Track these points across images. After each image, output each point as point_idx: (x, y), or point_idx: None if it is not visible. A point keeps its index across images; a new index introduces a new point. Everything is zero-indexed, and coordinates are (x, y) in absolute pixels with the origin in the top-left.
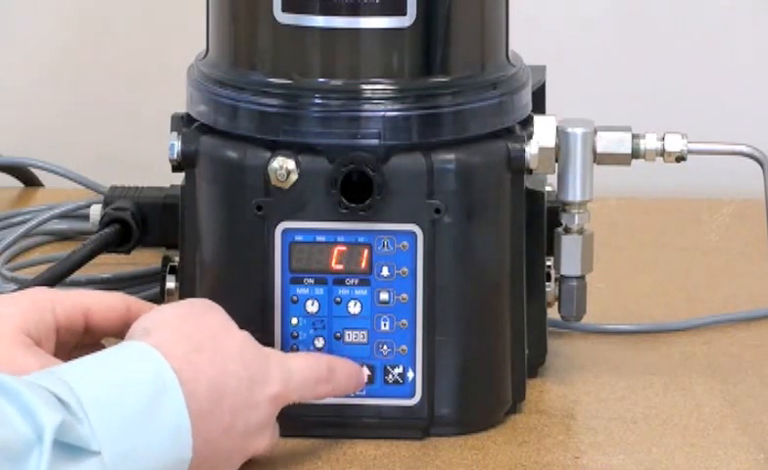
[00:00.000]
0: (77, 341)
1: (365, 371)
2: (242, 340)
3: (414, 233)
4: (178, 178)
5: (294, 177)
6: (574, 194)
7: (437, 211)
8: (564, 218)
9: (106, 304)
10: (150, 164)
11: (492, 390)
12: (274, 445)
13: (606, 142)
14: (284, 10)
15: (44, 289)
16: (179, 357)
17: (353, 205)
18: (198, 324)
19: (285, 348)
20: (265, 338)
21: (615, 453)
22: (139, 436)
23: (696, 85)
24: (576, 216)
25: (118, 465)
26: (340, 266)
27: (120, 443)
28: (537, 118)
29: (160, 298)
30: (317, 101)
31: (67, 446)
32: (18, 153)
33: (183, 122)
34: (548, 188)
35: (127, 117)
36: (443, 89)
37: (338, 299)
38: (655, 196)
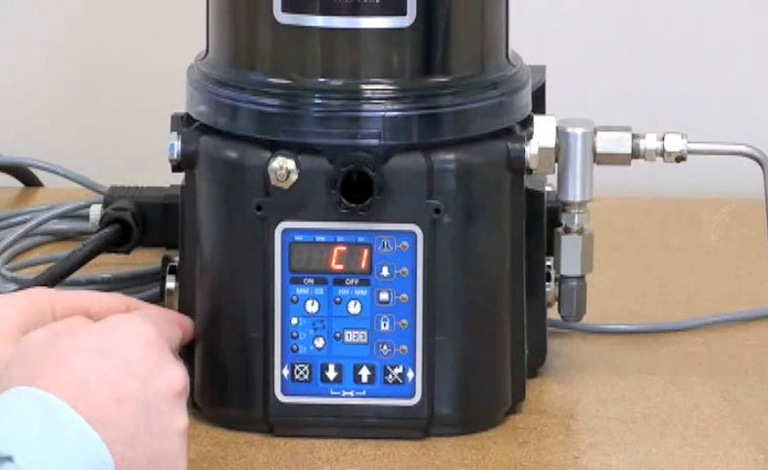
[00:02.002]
0: None
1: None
2: (75, 330)
3: (414, 233)
4: (178, 178)
5: (294, 177)
6: (574, 194)
7: (437, 211)
8: (564, 218)
9: (105, 304)
10: (150, 164)
11: (492, 390)
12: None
13: (606, 142)
14: (284, 10)
15: (44, 289)
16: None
17: (353, 205)
18: (35, 351)
19: (285, 348)
20: (266, 338)
21: (615, 453)
22: (48, 442)
23: (696, 85)
24: (576, 216)
25: (34, 467)
26: (340, 266)
27: (31, 447)
28: (537, 119)
29: (160, 298)
30: (317, 101)
31: None
32: (18, 153)
33: (183, 122)
34: (548, 188)
35: (127, 116)
36: (443, 89)
37: (338, 299)
38: (655, 196)
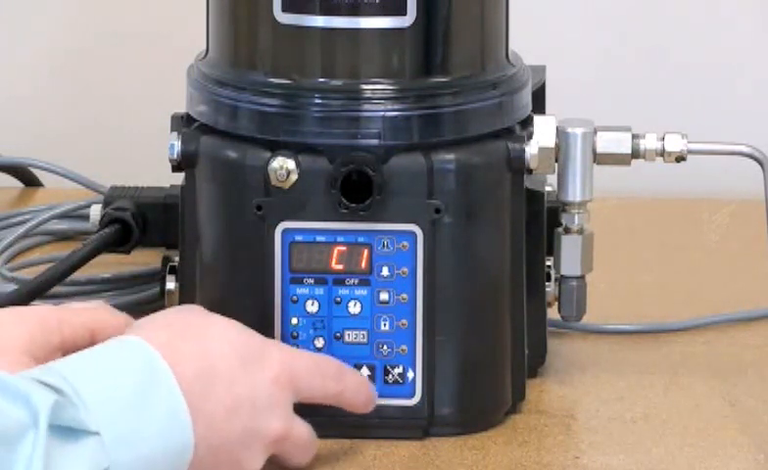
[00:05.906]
0: None
1: (375, 394)
2: (226, 325)
3: (414, 233)
4: (178, 178)
5: (294, 177)
6: (574, 194)
7: (437, 210)
8: (564, 218)
9: (112, 326)
10: (150, 164)
11: (492, 390)
12: (291, 432)
13: (606, 142)
14: (284, 10)
15: (52, 308)
16: (162, 344)
17: (353, 205)
18: (179, 316)
19: None
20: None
21: (615, 453)
22: (136, 419)
23: (697, 85)
24: (576, 216)
25: (118, 446)
26: (340, 266)
27: (118, 424)
28: (537, 119)
29: (159, 298)
30: (317, 101)
31: (64, 429)
32: (18, 153)
33: (183, 122)
34: (548, 188)
35: (127, 116)
36: (443, 89)
37: (338, 299)
38: (655, 196)
